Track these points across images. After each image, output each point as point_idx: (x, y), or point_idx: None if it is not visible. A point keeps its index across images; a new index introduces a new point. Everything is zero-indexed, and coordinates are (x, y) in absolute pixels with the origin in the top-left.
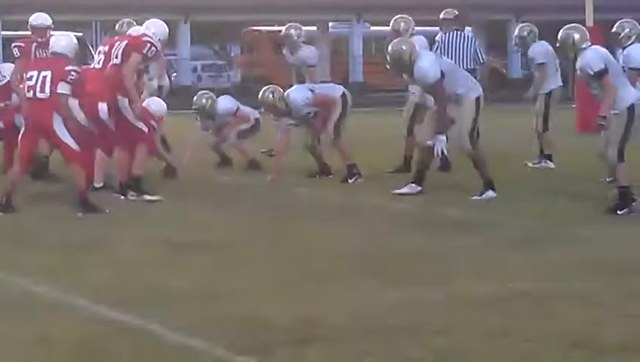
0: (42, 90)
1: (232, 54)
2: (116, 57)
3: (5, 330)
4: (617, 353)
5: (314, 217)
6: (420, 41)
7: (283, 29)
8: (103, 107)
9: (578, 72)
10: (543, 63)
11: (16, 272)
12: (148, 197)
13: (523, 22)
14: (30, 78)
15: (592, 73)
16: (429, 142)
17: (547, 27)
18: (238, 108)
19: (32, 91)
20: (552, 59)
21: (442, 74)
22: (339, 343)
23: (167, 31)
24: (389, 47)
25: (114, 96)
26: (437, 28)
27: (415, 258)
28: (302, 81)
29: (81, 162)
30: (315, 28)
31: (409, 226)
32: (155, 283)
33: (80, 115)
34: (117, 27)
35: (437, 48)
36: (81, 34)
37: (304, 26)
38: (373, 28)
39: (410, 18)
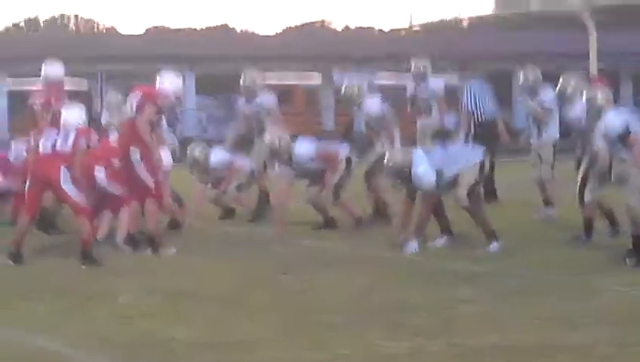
0: (62, 145)
1: (237, 105)
2: (130, 109)
3: None
4: None
5: (318, 268)
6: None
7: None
8: (99, 172)
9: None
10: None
11: (17, 322)
12: (163, 251)
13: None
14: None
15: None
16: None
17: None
18: (231, 161)
19: (48, 145)
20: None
21: (439, 172)
22: None
23: (181, 84)
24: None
25: (126, 148)
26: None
27: (418, 309)
28: (262, 130)
29: (87, 215)
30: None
31: (412, 277)
32: (157, 334)
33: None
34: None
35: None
36: (86, 88)
37: (309, 72)
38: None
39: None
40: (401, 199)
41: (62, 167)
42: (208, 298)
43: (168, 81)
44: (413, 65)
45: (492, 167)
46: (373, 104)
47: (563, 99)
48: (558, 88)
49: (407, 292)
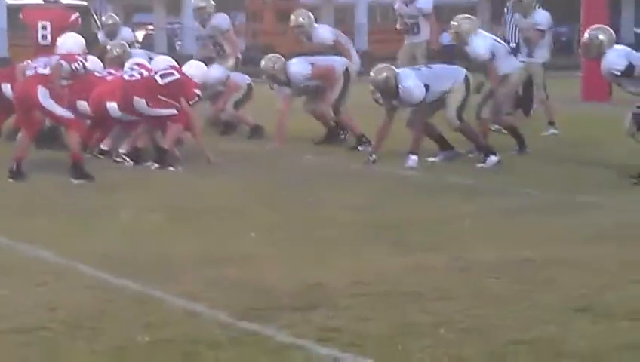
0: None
1: (237, 22)
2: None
3: (9, 295)
4: (623, 319)
5: (320, 184)
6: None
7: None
8: (112, 105)
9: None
10: (544, 30)
11: (21, 238)
12: (171, 168)
13: None
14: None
15: (619, 74)
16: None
17: None
18: (228, 76)
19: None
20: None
21: (426, 86)
22: (341, 309)
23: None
24: (372, 75)
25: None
26: None
27: (420, 224)
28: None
29: (77, 128)
30: None
31: (414, 193)
32: (159, 250)
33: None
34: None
35: None
36: (85, 3)
37: None
38: None
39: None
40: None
41: (39, 86)
42: (209, 214)
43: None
44: None
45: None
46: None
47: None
48: None
49: (408, 207)
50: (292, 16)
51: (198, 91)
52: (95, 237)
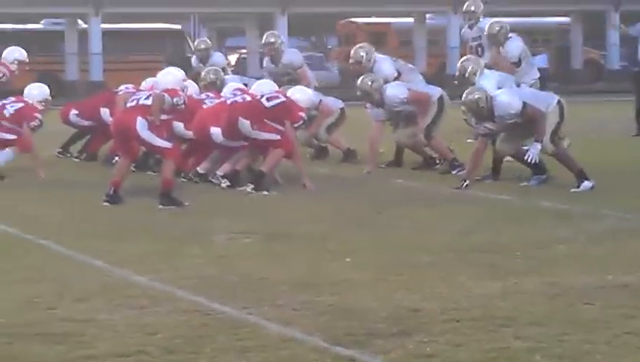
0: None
1: (329, 46)
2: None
3: (107, 318)
4: None
5: (412, 208)
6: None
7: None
8: (215, 131)
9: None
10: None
11: (117, 262)
12: (266, 193)
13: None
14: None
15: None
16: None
17: None
18: (320, 100)
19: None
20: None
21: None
22: (435, 334)
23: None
24: (464, 96)
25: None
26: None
27: (513, 249)
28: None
29: (174, 156)
30: (412, 19)
31: (507, 217)
32: (254, 274)
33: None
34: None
35: None
36: (179, 26)
37: (401, 17)
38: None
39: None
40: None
41: (138, 117)
42: (302, 238)
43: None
44: (465, 7)
45: None
46: None
47: None
48: None
49: (499, 232)
50: (351, 52)
51: (303, 115)
52: (189, 262)
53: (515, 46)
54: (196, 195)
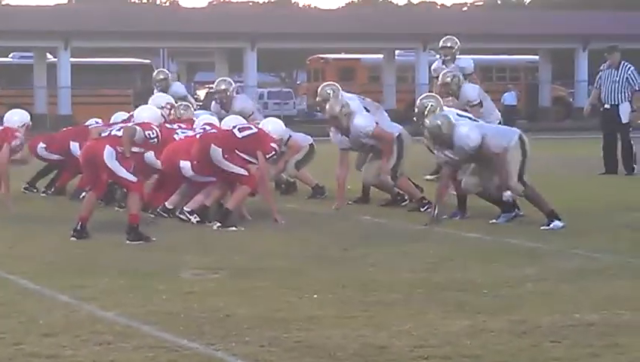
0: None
1: (298, 82)
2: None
3: (73, 354)
4: None
5: (379, 245)
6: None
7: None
8: (185, 165)
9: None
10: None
11: (84, 297)
12: (234, 228)
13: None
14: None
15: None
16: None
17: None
18: (290, 136)
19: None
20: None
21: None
22: None
23: (283, 131)
24: (428, 122)
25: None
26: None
27: (480, 286)
28: None
29: (139, 190)
30: (381, 56)
31: (476, 255)
32: (221, 310)
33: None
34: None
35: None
36: (149, 61)
37: (371, 54)
38: (438, 56)
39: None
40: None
41: (107, 146)
42: (269, 274)
43: (271, 126)
44: (441, 43)
45: None
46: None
47: None
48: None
49: (468, 269)
50: (318, 90)
51: (275, 146)
52: (156, 297)
53: (471, 88)
54: (164, 230)
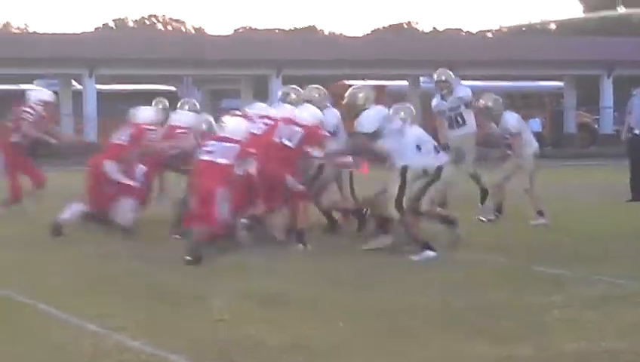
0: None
1: None
2: (289, 140)
3: None
4: None
5: (401, 271)
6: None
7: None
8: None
9: None
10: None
11: (112, 324)
12: (301, 247)
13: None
14: None
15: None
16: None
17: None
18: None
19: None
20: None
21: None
22: None
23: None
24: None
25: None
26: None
27: (500, 312)
28: None
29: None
30: (406, 82)
31: (496, 281)
32: (249, 338)
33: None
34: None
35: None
36: (174, 88)
37: (395, 80)
38: (462, 82)
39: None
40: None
41: (108, 160)
42: (296, 302)
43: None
44: (435, 78)
45: None
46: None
47: None
48: None
49: (491, 296)
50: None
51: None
52: (184, 325)
53: (513, 118)
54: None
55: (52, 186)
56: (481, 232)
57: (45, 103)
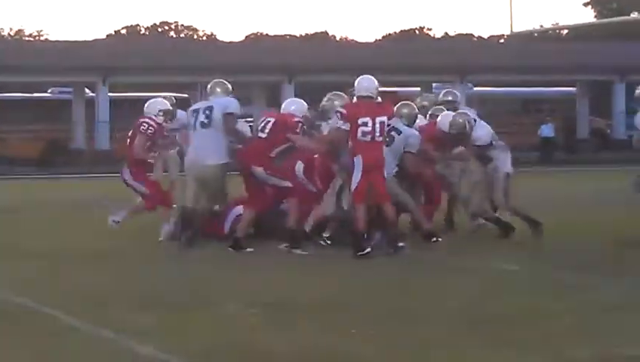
0: None
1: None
2: (262, 131)
3: None
4: None
5: (417, 278)
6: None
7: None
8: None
9: None
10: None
11: (124, 331)
12: (299, 251)
13: (628, 83)
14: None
15: None
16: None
17: None
18: None
19: None
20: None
21: None
22: None
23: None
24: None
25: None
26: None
27: (519, 320)
28: None
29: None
30: (418, 89)
31: (514, 287)
32: (258, 346)
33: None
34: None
35: None
36: (187, 95)
37: (407, 86)
38: (476, 88)
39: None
40: None
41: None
42: (307, 309)
43: (295, 105)
44: (441, 97)
45: None
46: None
47: None
48: None
49: (506, 303)
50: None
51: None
52: (194, 332)
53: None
54: (203, 263)
55: (73, 196)
56: (495, 239)
57: (165, 113)
